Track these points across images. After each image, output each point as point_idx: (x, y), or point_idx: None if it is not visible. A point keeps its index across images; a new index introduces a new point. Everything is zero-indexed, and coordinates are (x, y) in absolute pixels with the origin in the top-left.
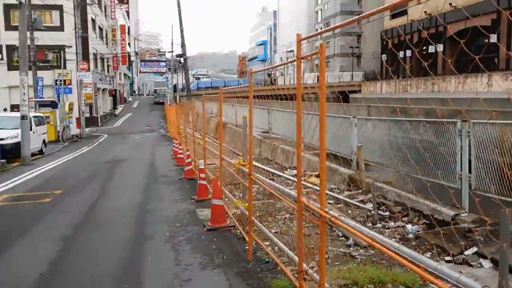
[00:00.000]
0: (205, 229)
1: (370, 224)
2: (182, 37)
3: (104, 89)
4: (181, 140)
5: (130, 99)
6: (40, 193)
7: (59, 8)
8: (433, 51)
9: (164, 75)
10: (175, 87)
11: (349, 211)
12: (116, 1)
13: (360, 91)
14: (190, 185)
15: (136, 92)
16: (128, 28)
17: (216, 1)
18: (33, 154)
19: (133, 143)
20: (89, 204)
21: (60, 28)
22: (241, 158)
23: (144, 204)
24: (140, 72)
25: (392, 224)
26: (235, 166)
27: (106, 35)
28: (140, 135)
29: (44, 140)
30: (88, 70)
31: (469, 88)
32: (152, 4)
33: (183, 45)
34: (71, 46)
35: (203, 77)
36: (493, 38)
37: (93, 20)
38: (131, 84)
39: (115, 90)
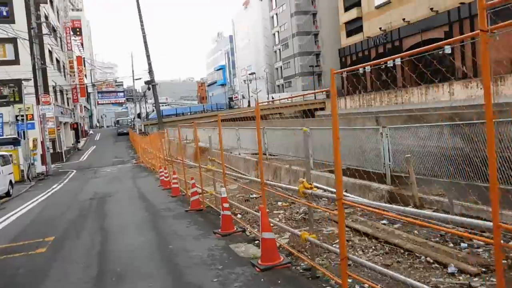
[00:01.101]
0: (257, 269)
1: (451, 245)
2: (149, 63)
3: (65, 123)
4: (173, 170)
5: (91, 132)
6: (29, 242)
7: (13, 41)
8: (392, 65)
9: (124, 105)
10: (139, 115)
11: (416, 231)
12: (71, 32)
13: (324, 108)
14: (203, 217)
15: (97, 125)
16: (84, 59)
17: (169, 30)
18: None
19: (109, 176)
20: (96, 250)
21: (16, 61)
22: (303, 181)
23: (163, 244)
24: (98, 104)
25: (481, 242)
26: (299, 190)
27: (64, 67)
28: (111, 167)
29: (10, 181)
30: (50, 103)
31: (433, 97)
32: (105, 36)
33: (150, 72)
34: (30, 79)
35: (162, 105)
36: (448, 49)
37: (50, 52)
38: (90, 117)
39: (77, 123)
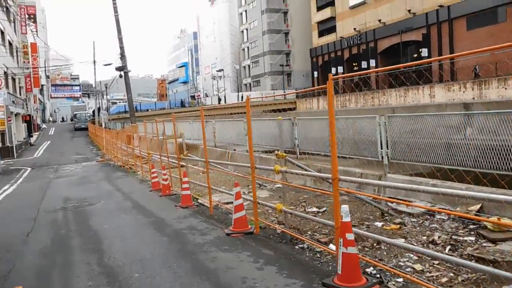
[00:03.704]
0: None
1: None
2: (121, 46)
3: (17, 114)
4: (183, 171)
5: (44, 126)
6: None
7: None
8: (366, 66)
9: (80, 100)
10: (99, 110)
11: None
12: (26, 15)
13: (295, 108)
14: (270, 248)
15: (50, 119)
16: (38, 47)
17: (129, 25)
18: None
19: (75, 176)
20: None
21: None
22: None
23: None
24: (51, 97)
25: None
26: None
27: (17, 52)
28: (75, 165)
29: None
30: (1, 88)
31: (412, 99)
32: (60, 28)
33: (123, 56)
34: None
35: (120, 102)
36: (424, 52)
37: (2, 32)
38: (43, 110)
39: (30, 116)
